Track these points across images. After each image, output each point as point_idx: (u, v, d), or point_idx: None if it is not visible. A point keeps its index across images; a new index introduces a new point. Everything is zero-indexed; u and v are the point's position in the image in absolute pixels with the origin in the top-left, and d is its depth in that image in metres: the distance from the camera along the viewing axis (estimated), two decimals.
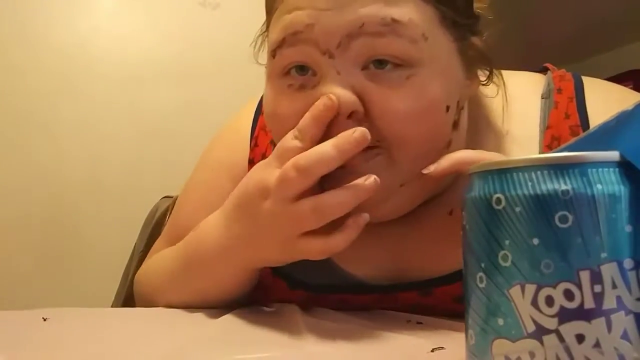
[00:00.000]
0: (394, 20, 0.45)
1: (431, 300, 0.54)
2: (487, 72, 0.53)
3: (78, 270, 1.54)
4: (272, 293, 0.58)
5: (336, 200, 0.43)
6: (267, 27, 0.53)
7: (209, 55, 1.64)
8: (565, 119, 0.54)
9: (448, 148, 0.49)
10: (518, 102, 0.57)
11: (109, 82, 1.60)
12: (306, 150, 0.44)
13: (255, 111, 0.67)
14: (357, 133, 0.43)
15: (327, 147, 0.43)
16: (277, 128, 0.50)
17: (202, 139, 0.82)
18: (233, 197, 0.51)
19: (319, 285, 0.57)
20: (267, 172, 0.46)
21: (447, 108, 0.48)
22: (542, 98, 0.57)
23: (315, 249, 0.45)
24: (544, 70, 0.62)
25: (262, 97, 0.62)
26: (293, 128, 0.46)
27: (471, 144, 0.54)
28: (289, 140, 0.45)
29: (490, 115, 0.57)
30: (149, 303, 0.62)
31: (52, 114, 1.58)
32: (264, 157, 0.60)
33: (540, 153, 0.54)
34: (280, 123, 0.49)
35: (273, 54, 0.49)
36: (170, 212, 0.81)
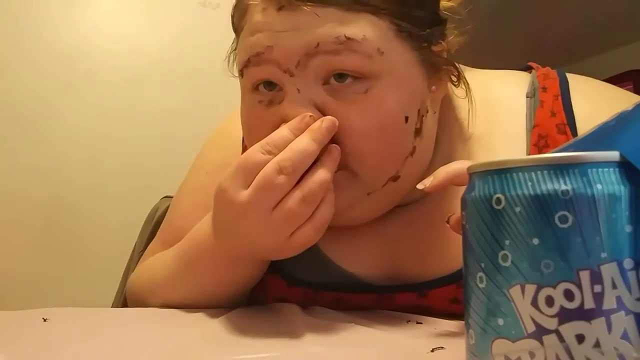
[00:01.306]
0: (348, 38, 0.47)
1: (427, 302, 0.55)
2: (455, 76, 0.54)
3: (78, 270, 1.54)
4: (270, 291, 0.59)
5: (319, 180, 0.45)
6: (235, 47, 0.56)
7: (209, 55, 1.64)
8: (551, 117, 0.55)
9: (412, 155, 0.51)
10: (503, 101, 0.58)
11: (109, 82, 1.60)
12: None
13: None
14: (325, 122, 0.45)
15: (306, 142, 0.44)
16: (252, 139, 0.52)
17: (203, 139, 0.82)
18: (213, 221, 0.52)
19: (316, 283, 0.57)
20: (234, 192, 0.46)
21: (406, 119, 0.49)
22: (527, 97, 0.57)
23: (310, 235, 0.46)
24: (528, 69, 0.62)
25: None
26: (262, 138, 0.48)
27: (445, 150, 0.56)
28: (258, 154, 0.46)
29: (465, 117, 0.57)
30: (143, 305, 0.62)
31: (52, 115, 1.58)
32: None
33: (527, 152, 0.55)
34: (253, 137, 0.51)
35: (241, 73, 0.53)
36: None
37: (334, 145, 0.46)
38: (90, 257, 1.56)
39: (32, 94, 1.56)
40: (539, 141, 0.54)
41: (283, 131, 0.46)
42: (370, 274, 0.57)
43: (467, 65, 0.59)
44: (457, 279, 0.53)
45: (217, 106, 1.62)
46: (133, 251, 0.97)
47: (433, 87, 0.52)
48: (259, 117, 0.51)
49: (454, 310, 0.52)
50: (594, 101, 0.57)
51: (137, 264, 0.86)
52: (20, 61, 1.57)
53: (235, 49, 0.57)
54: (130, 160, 1.59)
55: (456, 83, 0.55)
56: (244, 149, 0.64)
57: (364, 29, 0.47)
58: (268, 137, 0.46)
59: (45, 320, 0.51)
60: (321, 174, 0.45)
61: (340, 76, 0.48)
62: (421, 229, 0.56)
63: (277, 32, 0.48)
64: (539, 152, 0.54)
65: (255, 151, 0.46)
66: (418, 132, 0.51)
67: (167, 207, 0.90)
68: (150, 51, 1.62)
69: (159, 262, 0.64)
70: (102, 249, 1.55)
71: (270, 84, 0.50)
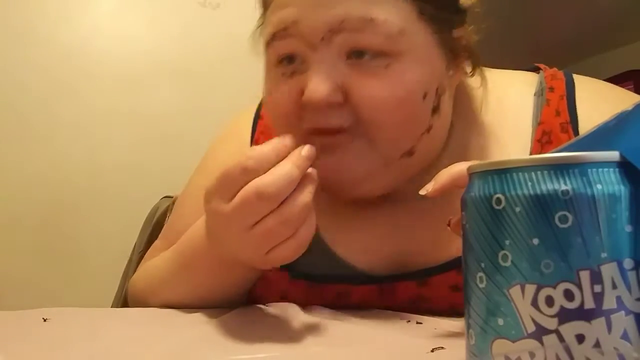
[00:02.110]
0: (372, 19, 0.49)
1: (428, 291, 0.56)
2: (472, 65, 0.57)
3: (78, 270, 1.54)
4: (273, 284, 0.59)
5: (301, 204, 0.45)
6: (263, 21, 0.57)
7: (209, 55, 1.64)
8: (556, 116, 0.57)
9: (429, 132, 0.53)
10: (512, 98, 0.61)
11: (109, 82, 1.60)
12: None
13: (254, 116, 0.70)
14: (305, 150, 0.46)
15: (288, 167, 0.45)
16: (274, 111, 0.56)
17: (202, 139, 0.82)
18: (205, 225, 0.52)
19: (319, 276, 0.58)
20: (218, 203, 0.47)
21: (425, 95, 0.51)
22: (535, 96, 0.60)
23: (288, 254, 0.47)
24: (536, 70, 0.64)
25: (260, 103, 0.71)
26: (286, 110, 0.52)
27: (459, 137, 0.59)
28: (238, 170, 0.45)
29: (478, 108, 0.60)
30: (144, 305, 0.62)
31: (50, 115, 1.58)
32: None
33: (531, 147, 0.57)
34: (276, 106, 0.55)
35: (267, 46, 0.55)
36: (170, 213, 0.82)
37: (313, 170, 0.47)
38: (89, 258, 1.56)
39: (31, 94, 1.56)
40: (542, 137, 0.57)
41: (265, 147, 0.46)
42: (374, 266, 0.58)
43: None
44: (457, 265, 0.54)
45: (217, 106, 1.62)
46: (133, 251, 0.97)
47: (451, 72, 0.55)
48: (281, 88, 0.53)
49: (455, 300, 0.52)
50: (597, 102, 0.59)
51: (137, 264, 0.86)
52: (19, 61, 1.57)
53: (262, 24, 0.59)
54: (130, 160, 1.59)
55: (471, 73, 0.57)
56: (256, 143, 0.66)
57: (387, 10, 0.49)
58: (250, 150, 0.47)
59: (45, 320, 0.51)
60: (303, 198, 0.45)
61: (361, 53, 0.50)
62: (426, 216, 0.57)
63: (303, 8, 0.50)
64: (542, 148, 0.57)
65: (236, 166, 0.46)
66: (435, 110, 0.53)
67: (167, 207, 0.91)
68: (149, 51, 1.62)
69: (158, 262, 0.64)
70: (102, 249, 1.55)
71: (292, 59, 0.52)
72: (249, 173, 0.45)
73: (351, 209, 0.60)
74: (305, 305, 0.56)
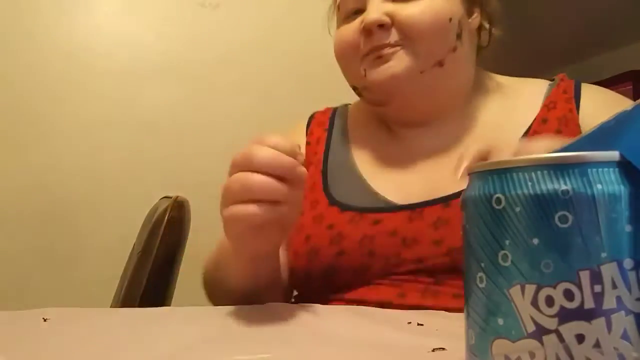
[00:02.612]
0: None
1: (450, 212, 0.67)
2: (488, 26, 0.77)
3: (78, 270, 1.54)
4: (325, 218, 0.71)
5: (263, 179, 0.50)
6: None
7: (209, 55, 1.64)
8: (563, 93, 0.75)
9: (454, 52, 0.71)
10: (529, 83, 0.79)
11: (108, 83, 1.60)
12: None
13: (309, 120, 0.88)
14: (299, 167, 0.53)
15: (274, 183, 0.50)
16: (341, 43, 0.74)
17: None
18: None
19: (362, 208, 0.70)
20: (222, 209, 0.54)
21: (450, 19, 0.70)
22: (549, 85, 0.77)
23: (243, 214, 0.51)
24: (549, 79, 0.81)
25: (313, 114, 0.89)
26: (351, 39, 0.72)
27: (481, 98, 0.78)
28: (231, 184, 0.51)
29: (498, 84, 0.79)
30: (217, 293, 0.72)
31: (51, 115, 1.58)
32: (317, 140, 0.83)
33: (538, 111, 0.73)
34: (342, 38, 0.74)
35: (338, 5, 0.77)
36: (169, 212, 0.88)
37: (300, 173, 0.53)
38: (89, 258, 1.56)
39: (32, 94, 1.57)
40: (549, 104, 0.74)
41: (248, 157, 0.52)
42: (405, 198, 0.70)
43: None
44: None
45: (217, 106, 1.62)
46: (132, 251, 0.97)
47: (469, 19, 0.74)
48: (346, 29, 0.73)
49: None
50: (598, 91, 0.76)
51: (135, 264, 0.87)
52: (19, 62, 1.57)
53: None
54: (130, 160, 1.59)
55: (487, 43, 0.78)
56: (308, 134, 0.84)
57: None
58: (240, 161, 0.52)
59: (45, 320, 0.51)
60: (268, 182, 0.50)
61: None
62: (444, 155, 0.73)
63: None
64: (548, 112, 0.73)
65: (230, 181, 0.52)
66: (459, 36, 0.71)
67: (166, 207, 0.91)
68: (149, 51, 1.62)
69: (212, 253, 0.74)
70: (102, 249, 1.55)
71: (357, 12, 0.73)
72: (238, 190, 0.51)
73: (387, 150, 0.77)
74: (347, 235, 0.67)
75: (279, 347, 0.42)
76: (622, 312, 0.24)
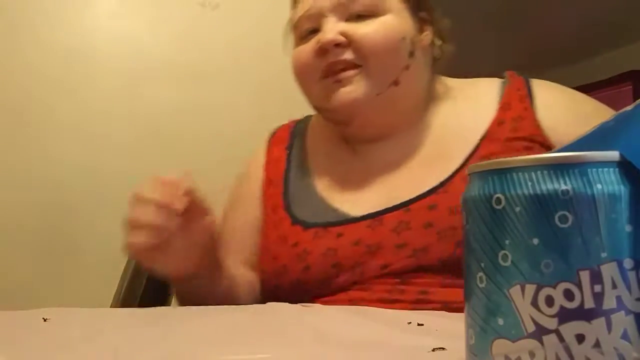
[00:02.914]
0: None
1: (410, 215, 0.69)
2: (441, 52, 0.80)
3: (78, 270, 1.54)
4: (290, 237, 0.73)
5: (143, 213, 0.62)
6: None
7: (209, 55, 1.64)
8: (516, 91, 0.77)
9: (408, 69, 0.74)
10: (483, 83, 0.82)
11: (108, 83, 1.60)
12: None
13: (269, 138, 0.91)
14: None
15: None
16: (298, 63, 0.77)
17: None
18: None
19: (324, 223, 0.73)
20: None
21: (403, 38, 0.73)
22: (502, 83, 0.79)
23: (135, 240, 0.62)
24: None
25: (273, 131, 0.92)
26: (307, 58, 0.74)
27: (439, 107, 0.80)
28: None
29: (448, 87, 0.82)
30: None
31: (50, 116, 1.58)
32: (277, 160, 0.85)
33: (495, 113, 0.75)
34: (299, 59, 0.76)
35: (294, 25, 0.78)
36: None
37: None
38: (90, 258, 1.56)
39: (31, 95, 1.56)
40: (504, 105, 0.76)
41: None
42: (368, 210, 0.72)
43: (464, 68, 0.82)
44: (434, 191, 0.70)
45: (217, 106, 1.62)
46: None
47: (420, 36, 0.77)
48: (303, 48, 0.76)
49: (431, 218, 0.67)
50: (548, 85, 0.79)
51: (135, 265, 0.87)
52: (18, 62, 1.57)
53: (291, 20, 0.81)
54: (129, 161, 1.59)
55: (440, 57, 0.80)
56: (267, 153, 0.87)
57: None
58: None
59: (45, 320, 0.51)
60: (150, 214, 0.61)
61: (358, 16, 0.73)
62: (403, 166, 0.76)
63: None
64: (504, 113, 0.75)
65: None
66: (411, 54, 0.74)
67: None
68: (149, 51, 1.62)
69: None
70: (102, 249, 1.55)
71: (313, 32, 0.75)
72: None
73: (345, 166, 0.79)
74: (311, 251, 0.70)
75: (279, 347, 0.42)
76: (622, 312, 0.24)
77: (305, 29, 0.76)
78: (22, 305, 0.59)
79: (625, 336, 0.24)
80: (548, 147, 0.71)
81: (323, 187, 0.79)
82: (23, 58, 1.56)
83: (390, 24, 0.73)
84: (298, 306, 0.57)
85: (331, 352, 0.41)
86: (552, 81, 0.82)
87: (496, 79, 0.81)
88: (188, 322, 0.52)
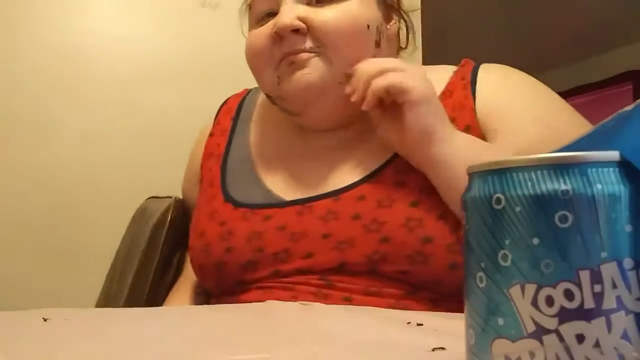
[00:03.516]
0: None
1: (339, 204, 0.67)
2: (406, 39, 0.78)
3: (78, 271, 1.54)
4: (220, 214, 0.71)
5: None
6: None
7: (209, 55, 1.64)
8: (461, 80, 0.73)
9: (362, 54, 0.67)
10: (431, 75, 0.73)
11: (108, 84, 1.60)
12: None
13: (221, 105, 0.89)
14: None
15: None
16: (253, 49, 0.70)
17: None
18: None
19: (254, 204, 0.71)
20: None
21: (368, 27, 0.68)
22: (453, 73, 0.76)
23: None
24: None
25: (227, 99, 0.90)
26: (263, 44, 0.68)
27: None
28: None
29: None
30: None
31: (49, 116, 1.58)
32: (222, 130, 0.83)
33: (439, 94, 0.70)
34: (254, 45, 0.70)
35: (249, 5, 0.73)
36: (172, 211, 0.92)
37: None
38: (89, 258, 1.56)
39: (31, 95, 1.56)
40: (446, 92, 0.72)
41: None
42: (297, 194, 0.71)
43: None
44: (364, 181, 0.68)
45: (217, 106, 1.62)
46: (120, 250, 0.97)
47: (387, 26, 0.73)
48: (258, 33, 0.70)
49: (358, 209, 0.65)
50: (494, 72, 0.74)
51: (139, 264, 0.87)
52: (17, 63, 1.57)
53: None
54: (129, 161, 1.59)
55: (405, 45, 0.78)
56: (214, 125, 0.85)
57: None
58: None
59: (45, 320, 0.51)
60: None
61: (317, 1, 0.67)
62: (335, 152, 0.73)
63: None
64: (444, 99, 0.71)
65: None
66: (377, 44, 0.70)
67: (168, 206, 0.91)
68: (149, 51, 1.62)
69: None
70: (102, 249, 1.55)
71: (270, 14, 0.69)
72: None
73: (286, 147, 0.76)
74: (235, 232, 0.68)
75: (279, 347, 0.42)
76: (622, 312, 0.24)
77: (261, 10, 0.71)
78: (22, 305, 0.59)
79: (625, 336, 0.24)
80: (483, 137, 0.68)
81: (261, 167, 0.75)
82: (21, 59, 1.56)
83: (354, 11, 0.67)
84: (298, 305, 0.57)
85: (331, 352, 0.41)
86: (552, 81, 0.80)
87: (452, 66, 0.77)
88: (188, 321, 0.52)
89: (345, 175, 0.70)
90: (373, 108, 0.65)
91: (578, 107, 0.72)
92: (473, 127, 0.68)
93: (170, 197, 0.96)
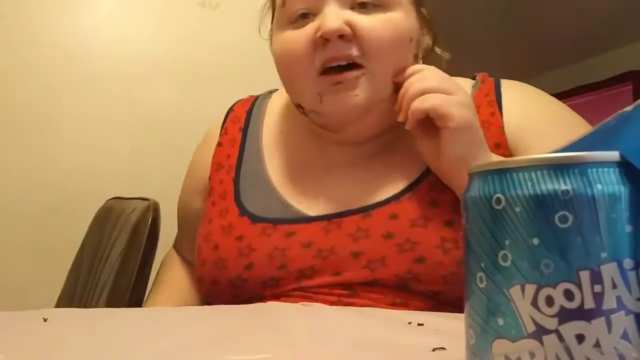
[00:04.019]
0: None
1: (370, 221, 0.64)
2: (432, 43, 0.73)
3: None
4: (236, 229, 0.68)
5: None
6: None
7: (209, 55, 1.64)
8: (484, 97, 0.71)
9: (402, 67, 0.64)
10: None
11: (108, 84, 1.60)
12: None
13: (227, 111, 0.83)
14: None
15: None
16: (289, 57, 0.65)
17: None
18: None
19: (274, 219, 0.67)
20: None
21: (410, 39, 0.65)
22: (472, 87, 0.74)
23: None
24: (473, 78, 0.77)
25: (232, 105, 0.84)
26: (303, 50, 0.63)
27: None
28: None
29: None
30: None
31: (50, 117, 1.58)
32: (231, 141, 0.77)
33: None
34: (291, 51, 0.65)
35: (283, 3, 0.66)
36: (152, 212, 0.94)
37: None
38: None
39: (31, 96, 1.56)
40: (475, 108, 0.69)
41: None
42: (323, 210, 0.67)
43: (465, 68, 0.76)
44: (395, 198, 0.65)
45: (217, 107, 1.62)
46: (84, 250, 0.97)
47: (421, 34, 0.70)
48: (296, 36, 0.64)
49: (389, 228, 0.63)
50: (518, 89, 0.73)
51: (119, 264, 0.88)
52: (17, 64, 1.57)
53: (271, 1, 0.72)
54: (129, 162, 1.59)
55: (431, 48, 0.73)
56: (222, 134, 0.79)
57: None
58: None
59: (45, 320, 0.51)
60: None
61: (364, 5, 0.63)
62: (363, 167, 0.69)
63: None
64: None
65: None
66: (416, 57, 0.68)
67: (148, 206, 0.92)
68: (149, 52, 1.62)
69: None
70: None
71: (305, 16, 0.64)
72: None
73: (304, 158, 0.72)
74: (256, 248, 0.65)
75: (279, 347, 0.42)
76: (622, 312, 0.24)
77: (295, 10, 0.64)
78: (22, 305, 0.59)
79: (625, 336, 0.24)
80: (511, 155, 0.66)
81: (278, 179, 0.71)
82: (22, 60, 1.56)
83: (400, 21, 0.63)
84: (298, 306, 0.57)
85: (331, 352, 0.41)
86: (552, 81, 0.80)
87: (468, 80, 0.75)
88: (188, 321, 0.52)
89: (375, 190, 0.67)
90: (415, 124, 0.62)
91: (578, 108, 0.73)
92: (502, 145, 0.67)
93: (135, 198, 0.97)
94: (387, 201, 0.65)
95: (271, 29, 0.72)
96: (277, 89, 0.84)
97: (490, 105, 0.70)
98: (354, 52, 0.62)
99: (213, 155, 0.78)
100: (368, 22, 0.62)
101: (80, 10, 1.60)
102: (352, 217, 0.65)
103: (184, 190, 0.85)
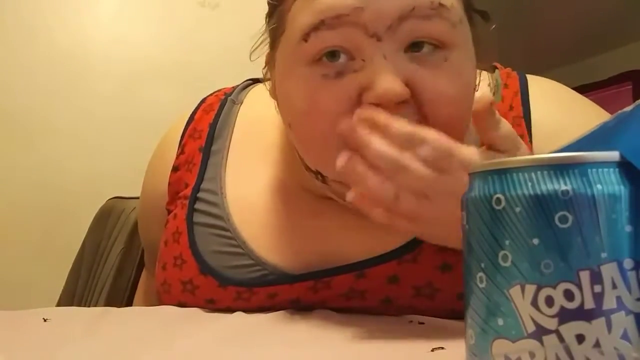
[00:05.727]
0: (441, 5, 0.46)
1: (365, 283, 0.53)
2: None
3: None
4: (201, 291, 0.56)
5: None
6: (282, 13, 0.51)
7: (209, 55, 1.64)
8: (509, 111, 0.58)
9: (468, 128, 0.50)
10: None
11: (108, 84, 1.60)
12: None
13: (187, 122, 0.67)
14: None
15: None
16: (317, 123, 0.47)
17: None
18: None
19: (248, 280, 0.55)
20: None
21: (474, 89, 0.50)
22: (490, 92, 0.59)
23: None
24: (491, 69, 0.63)
25: (193, 111, 0.67)
26: (342, 114, 0.45)
27: None
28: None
29: None
30: None
31: (50, 117, 1.58)
32: (189, 164, 0.62)
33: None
34: (320, 116, 0.47)
35: (306, 37, 0.46)
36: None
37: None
38: None
39: (30, 97, 1.56)
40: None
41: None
42: (303, 266, 0.55)
43: None
44: (397, 255, 0.52)
45: None
46: (84, 249, 0.97)
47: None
48: (327, 90, 0.46)
49: (389, 293, 0.52)
50: (549, 99, 0.60)
51: (118, 263, 0.87)
52: (16, 64, 1.57)
53: (272, 23, 0.53)
54: (129, 162, 1.59)
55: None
56: (178, 155, 0.64)
57: None
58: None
59: (45, 320, 0.51)
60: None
61: (420, 45, 0.46)
62: (353, 216, 0.52)
63: None
64: (506, 115, 0.57)
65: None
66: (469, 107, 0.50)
67: (129, 211, 0.93)
68: (148, 52, 1.62)
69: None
70: None
71: (333, 55, 0.46)
72: None
73: (279, 215, 0.57)
74: (234, 310, 0.54)
75: (279, 348, 0.42)
76: (622, 312, 0.24)
77: (324, 46, 0.46)
78: (22, 305, 0.59)
79: (625, 336, 0.24)
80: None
81: (245, 224, 0.56)
82: (21, 60, 1.56)
83: (465, 71, 0.48)
84: (299, 310, 0.56)
85: (331, 352, 0.41)
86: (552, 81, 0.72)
87: (484, 77, 0.60)
88: (188, 322, 0.52)
89: (368, 242, 0.54)
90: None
91: None
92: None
93: (135, 198, 0.97)
94: (384, 258, 0.53)
95: (270, 62, 0.55)
96: (253, 84, 0.69)
97: (516, 123, 0.56)
98: (412, 119, 0.45)
99: (169, 182, 0.63)
100: (430, 79, 0.46)
101: (80, 10, 1.60)
102: (342, 276, 0.53)
103: (141, 215, 0.73)
